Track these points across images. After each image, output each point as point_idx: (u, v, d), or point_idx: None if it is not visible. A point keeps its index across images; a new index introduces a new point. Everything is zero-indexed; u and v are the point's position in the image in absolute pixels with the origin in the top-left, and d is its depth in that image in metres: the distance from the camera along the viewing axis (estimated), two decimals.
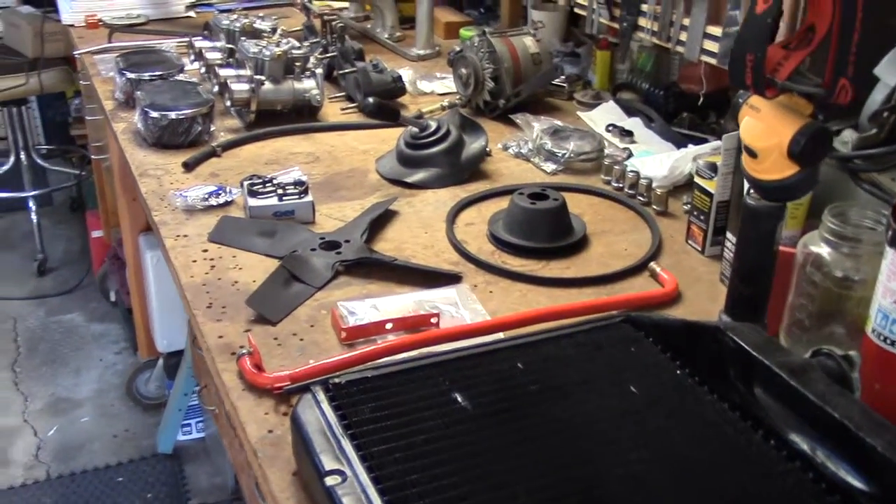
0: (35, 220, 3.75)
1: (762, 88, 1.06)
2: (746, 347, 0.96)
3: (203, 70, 2.04)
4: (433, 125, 1.69)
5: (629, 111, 2.00)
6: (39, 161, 3.82)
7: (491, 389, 0.99)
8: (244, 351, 1.12)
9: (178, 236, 1.47)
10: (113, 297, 3.35)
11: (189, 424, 2.79)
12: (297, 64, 1.91)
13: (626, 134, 1.87)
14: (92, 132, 3.02)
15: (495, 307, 1.28)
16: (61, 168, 4.01)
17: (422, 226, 1.52)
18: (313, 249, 1.39)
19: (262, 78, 1.88)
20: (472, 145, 1.71)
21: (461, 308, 1.27)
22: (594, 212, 1.58)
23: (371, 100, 1.61)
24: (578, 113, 2.03)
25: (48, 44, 3.38)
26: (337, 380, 0.99)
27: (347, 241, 1.41)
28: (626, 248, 1.46)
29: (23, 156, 3.76)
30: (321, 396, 0.97)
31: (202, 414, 2.72)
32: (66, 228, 4.09)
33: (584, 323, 1.13)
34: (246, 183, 1.54)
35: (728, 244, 1.33)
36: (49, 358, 3.24)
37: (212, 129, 1.83)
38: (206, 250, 1.43)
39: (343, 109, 2.02)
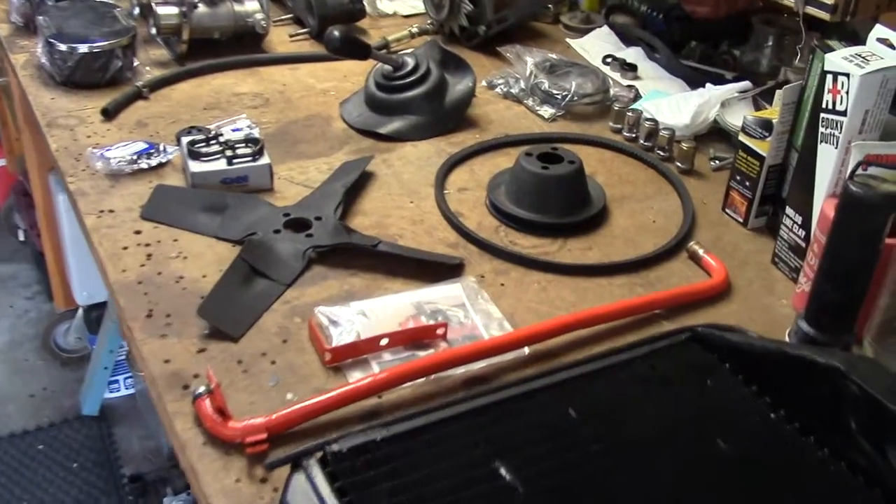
0: None
1: None
2: (880, 398, 0.73)
3: None
4: (410, 62, 1.39)
5: (627, 39, 1.73)
6: None
7: (541, 453, 0.75)
8: (202, 390, 0.85)
9: (101, 212, 1.16)
10: (22, 237, 2.99)
11: (116, 381, 2.50)
12: None
13: (629, 68, 1.60)
14: None
15: (511, 306, 1.03)
16: None
17: (405, 192, 1.25)
18: (277, 231, 1.11)
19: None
20: (457, 86, 1.42)
21: (470, 310, 1.01)
22: (608, 171, 1.32)
23: (336, 32, 1.31)
24: (568, 41, 1.74)
25: None
26: (336, 447, 0.74)
27: (319, 219, 1.13)
28: (654, 220, 1.22)
29: None
30: (318, 475, 0.71)
31: (132, 368, 2.44)
32: None
33: (639, 345, 0.89)
34: (185, 140, 1.24)
35: (788, 222, 1.09)
36: None
37: (135, 63, 1.50)
38: (138, 231, 1.13)
39: (292, 36, 1.69)
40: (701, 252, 1.12)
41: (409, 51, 1.48)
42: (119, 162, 1.23)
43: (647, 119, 1.37)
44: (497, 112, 1.47)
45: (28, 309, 2.88)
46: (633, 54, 1.66)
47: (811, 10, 1.22)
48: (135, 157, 1.24)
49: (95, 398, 2.48)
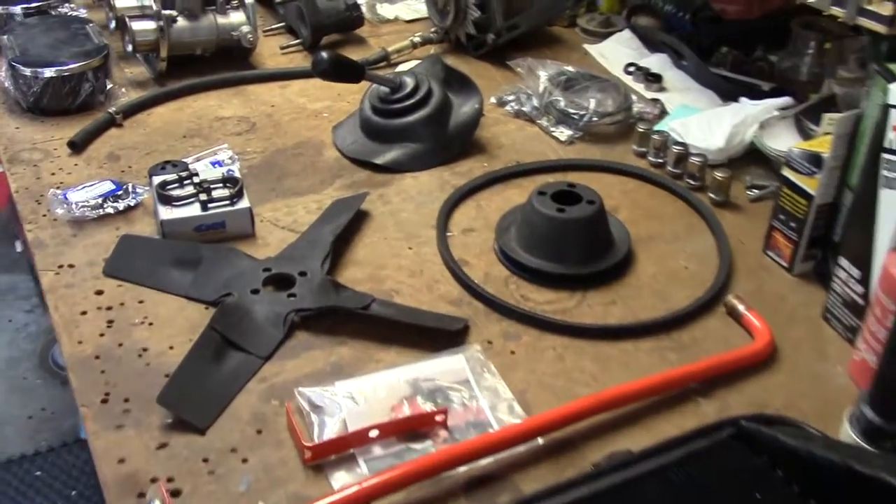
0: None
1: None
2: None
3: None
4: (409, 83, 1.25)
5: (650, 44, 1.57)
6: None
7: None
8: None
9: (59, 267, 1.03)
10: (19, 248, 2.87)
11: None
12: None
13: (653, 78, 1.45)
14: None
15: (522, 380, 0.89)
16: None
17: (403, 235, 1.11)
18: (255, 291, 0.97)
19: (173, 12, 1.40)
20: (462, 108, 1.27)
21: (475, 388, 0.88)
22: (632, 204, 1.18)
23: (324, 54, 1.16)
24: (586, 46, 1.59)
25: None
26: None
27: (303, 274, 0.99)
28: (686, 265, 1.07)
29: None
30: None
31: None
32: None
33: (673, 445, 0.74)
34: (155, 181, 1.10)
35: (842, 274, 0.95)
36: None
37: (108, 86, 1.37)
38: (99, 292, 1.00)
39: (283, 48, 1.55)
40: (741, 308, 0.97)
41: (407, 68, 1.33)
42: (82, 207, 1.10)
43: (676, 144, 1.22)
44: (507, 134, 1.32)
45: (27, 323, 2.77)
46: (658, 62, 1.51)
47: (864, 22, 1.07)
48: (100, 201, 1.11)
49: None
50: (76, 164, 1.23)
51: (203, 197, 1.07)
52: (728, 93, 1.40)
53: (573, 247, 1.03)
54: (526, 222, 1.05)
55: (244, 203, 1.08)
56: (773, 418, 0.77)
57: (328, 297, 0.97)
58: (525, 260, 1.04)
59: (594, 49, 1.57)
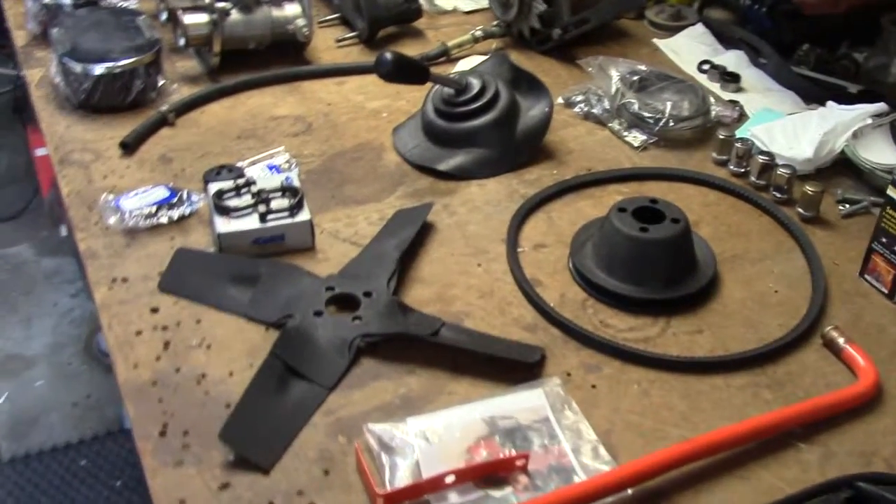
0: None
1: None
2: None
3: None
4: (475, 84, 1.18)
5: (725, 40, 1.49)
6: None
7: None
8: None
9: (113, 281, 0.99)
10: (64, 232, 2.85)
11: None
12: None
13: (730, 78, 1.37)
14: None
15: (606, 419, 0.83)
16: None
17: (471, 250, 1.04)
18: (318, 313, 0.92)
19: (227, 5, 1.34)
20: (531, 112, 1.20)
21: (556, 427, 0.82)
22: (714, 219, 1.10)
23: (388, 55, 1.10)
24: (656, 41, 1.51)
25: None
26: None
27: (368, 295, 0.94)
28: (776, 289, 1.00)
29: None
30: None
31: None
32: (10, 136, 3.51)
33: None
34: (212, 188, 1.05)
35: None
36: None
37: (160, 82, 1.31)
38: (155, 309, 0.95)
39: (338, 41, 1.49)
40: (841, 342, 0.90)
41: (471, 66, 1.26)
42: (135, 216, 1.04)
43: (761, 153, 1.14)
44: (577, 139, 1.25)
45: (72, 307, 2.75)
46: (734, 59, 1.42)
47: None
48: (154, 209, 1.06)
49: None
50: (128, 167, 1.18)
51: (262, 208, 1.01)
52: (812, 95, 1.32)
53: (656, 269, 0.96)
54: (605, 241, 0.98)
55: (304, 215, 1.02)
56: (894, 479, 0.70)
57: (396, 322, 0.91)
58: (603, 282, 0.97)
59: (665, 44, 1.49)
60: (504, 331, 0.93)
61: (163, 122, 1.25)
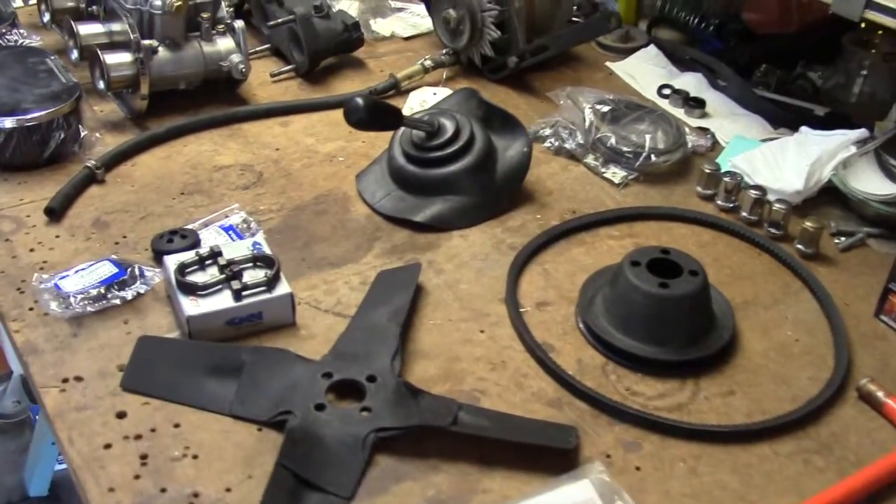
0: None
1: None
2: None
3: (50, 23, 1.32)
4: (449, 127, 1.08)
5: (679, 61, 1.44)
6: None
7: None
8: None
9: (65, 382, 0.84)
10: None
11: None
12: (205, 15, 1.23)
13: (695, 103, 1.32)
14: None
15: None
16: None
17: (469, 313, 0.95)
18: (320, 407, 0.80)
19: (154, 42, 1.20)
20: (508, 152, 1.12)
21: None
22: (714, 260, 1.04)
23: (359, 101, 0.98)
24: (609, 65, 1.45)
25: None
26: None
27: (372, 379, 0.83)
28: (795, 337, 0.94)
29: None
30: None
31: None
32: None
33: None
34: (171, 263, 0.91)
35: None
36: None
37: (82, 133, 1.16)
38: (122, 414, 0.81)
39: (274, 75, 1.36)
40: (881, 395, 0.85)
41: (424, 96, 1.17)
42: (81, 300, 0.90)
43: (752, 187, 1.09)
44: (552, 177, 1.17)
45: None
46: (694, 82, 1.38)
47: None
48: (102, 290, 0.91)
49: (43, 474, 2.13)
50: (57, 236, 1.02)
51: (235, 284, 0.88)
52: (779, 119, 1.28)
53: (678, 326, 0.89)
54: (620, 298, 0.91)
55: (284, 288, 0.90)
56: None
57: (409, 411, 0.80)
58: (622, 343, 0.89)
59: (618, 67, 1.43)
60: (526, 408, 0.84)
61: (91, 179, 1.10)
